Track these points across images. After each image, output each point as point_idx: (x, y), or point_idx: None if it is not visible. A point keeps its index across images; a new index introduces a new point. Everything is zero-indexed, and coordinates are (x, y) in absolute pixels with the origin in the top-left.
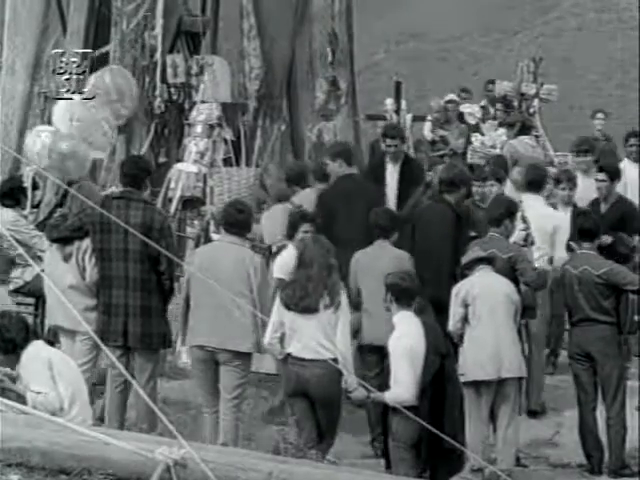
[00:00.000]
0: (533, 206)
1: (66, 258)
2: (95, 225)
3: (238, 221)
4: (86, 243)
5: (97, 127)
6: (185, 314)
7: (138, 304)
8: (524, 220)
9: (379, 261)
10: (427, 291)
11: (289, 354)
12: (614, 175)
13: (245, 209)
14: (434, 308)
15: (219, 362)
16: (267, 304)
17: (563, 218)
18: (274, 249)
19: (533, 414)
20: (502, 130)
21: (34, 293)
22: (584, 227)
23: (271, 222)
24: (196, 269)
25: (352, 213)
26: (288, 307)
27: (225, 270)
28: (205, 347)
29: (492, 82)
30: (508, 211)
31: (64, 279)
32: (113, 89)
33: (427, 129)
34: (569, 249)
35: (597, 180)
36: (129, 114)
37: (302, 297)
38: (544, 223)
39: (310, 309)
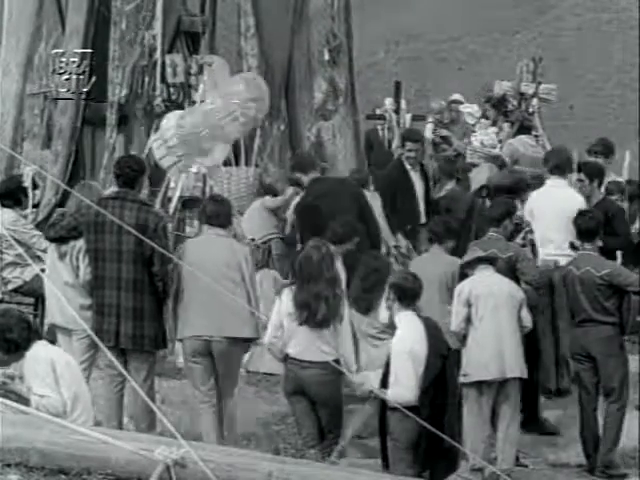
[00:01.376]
0: (557, 189)
1: (61, 256)
2: (90, 225)
3: (219, 213)
4: (80, 242)
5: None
6: (175, 308)
7: (130, 305)
8: (522, 220)
9: (433, 266)
10: None
11: (288, 354)
12: (593, 175)
13: (224, 201)
14: None
15: (213, 353)
16: (257, 291)
17: (583, 202)
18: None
19: (549, 392)
20: (493, 129)
21: (33, 293)
22: (585, 227)
23: (248, 218)
24: (186, 263)
25: (333, 213)
26: (300, 323)
27: (217, 261)
28: (202, 337)
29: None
30: (508, 211)
31: (61, 277)
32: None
33: (429, 130)
34: (572, 247)
35: (577, 180)
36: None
37: (313, 314)
38: (569, 205)
39: (321, 324)
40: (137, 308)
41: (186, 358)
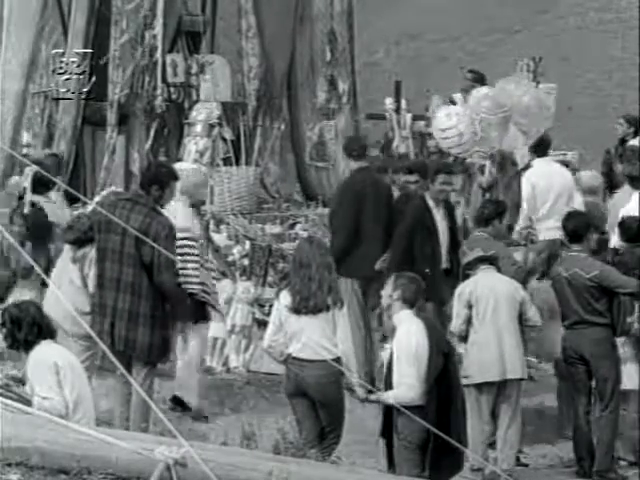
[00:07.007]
0: (542, 167)
1: (75, 260)
2: (100, 224)
3: None
4: (92, 252)
5: None
6: None
7: (126, 308)
8: (530, 220)
9: None
10: None
11: (289, 355)
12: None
13: None
14: None
15: None
16: None
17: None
18: None
19: None
20: None
21: None
22: (573, 228)
23: None
24: None
25: (373, 207)
26: (297, 311)
27: None
28: None
29: None
30: (496, 211)
31: (69, 277)
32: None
33: (422, 125)
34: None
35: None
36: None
37: (307, 298)
38: (552, 182)
39: (318, 309)
40: (132, 312)
41: None
